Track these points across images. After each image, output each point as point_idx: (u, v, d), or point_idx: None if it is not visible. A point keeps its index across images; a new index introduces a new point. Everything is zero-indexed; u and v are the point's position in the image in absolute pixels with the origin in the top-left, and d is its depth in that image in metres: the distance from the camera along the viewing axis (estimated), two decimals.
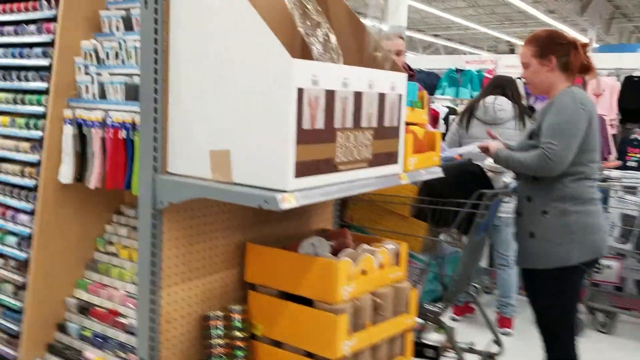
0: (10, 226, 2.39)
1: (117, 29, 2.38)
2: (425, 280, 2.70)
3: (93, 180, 2.22)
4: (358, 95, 1.76)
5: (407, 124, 2.10)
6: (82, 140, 2.31)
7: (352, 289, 1.85)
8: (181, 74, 1.77)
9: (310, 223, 2.39)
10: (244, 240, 2.11)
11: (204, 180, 1.71)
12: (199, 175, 1.73)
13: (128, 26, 2.36)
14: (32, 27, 2.48)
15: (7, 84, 2.55)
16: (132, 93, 2.21)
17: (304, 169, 1.57)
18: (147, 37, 1.78)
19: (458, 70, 8.24)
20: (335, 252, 2.01)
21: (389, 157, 1.95)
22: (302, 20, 1.91)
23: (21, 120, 2.44)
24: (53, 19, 2.41)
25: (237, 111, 1.63)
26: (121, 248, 2.41)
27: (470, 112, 3.98)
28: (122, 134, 2.15)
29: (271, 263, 1.99)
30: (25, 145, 2.40)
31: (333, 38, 1.87)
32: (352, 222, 2.69)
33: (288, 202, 1.51)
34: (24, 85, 2.47)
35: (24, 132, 2.41)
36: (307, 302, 1.85)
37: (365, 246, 2.05)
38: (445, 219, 2.68)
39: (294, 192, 1.54)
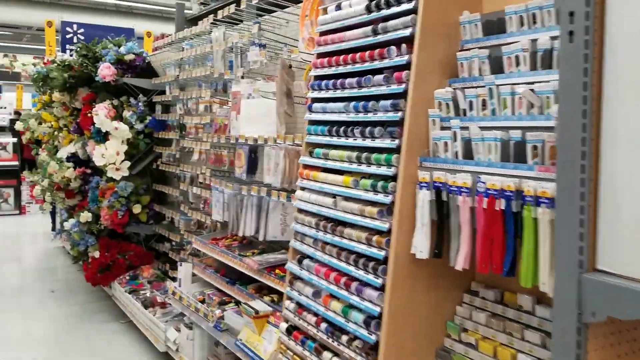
0: (355, 300, 2.13)
1: (482, 72, 1.98)
2: None
3: (460, 259, 1.81)
4: None
5: None
6: (440, 207, 1.93)
7: None
8: (628, 130, 1.23)
9: None
10: None
11: None
12: None
13: (497, 68, 1.93)
14: (379, 78, 2.23)
15: (349, 141, 2.34)
16: (510, 152, 1.75)
17: None
18: (571, 80, 1.30)
19: None
20: None
21: None
22: None
23: (366, 182, 2.18)
24: (404, 67, 2.12)
25: None
26: (481, 339, 1.96)
27: None
28: (500, 204, 1.70)
29: None
30: (372, 209, 2.12)
31: None
32: None
33: None
34: (369, 142, 2.22)
35: (370, 195, 2.15)
36: None
37: None
38: None
39: None
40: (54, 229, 8.64)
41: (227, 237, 3.78)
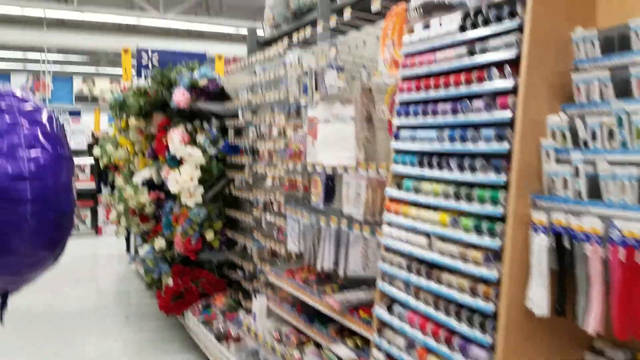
0: (458, 359, 1.87)
1: (604, 96, 1.70)
2: None
3: (591, 320, 1.53)
4: None
5: None
6: (562, 255, 1.66)
7: None
8: None
9: None
10: None
11: None
12: None
13: (624, 91, 1.65)
14: (479, 103, 1.99)
15: (444, 174, 2.10)
16: None
17: None
18: None
19: None
20: None
21: None
22: None
23: (468, 222, 1.94)
24: (509, 91, 1.88)
25: None
26: None
27: None
28: None
29: None
30: (476, 254, 1.88)
31: None
32: None
33: None
34: (469, 176, 1.98)
35: (473, 238, 1.90)
36: None
37: None
38: None
39: None
40: (128, 250, 8.79)
41: (303, 268, 3.59)
